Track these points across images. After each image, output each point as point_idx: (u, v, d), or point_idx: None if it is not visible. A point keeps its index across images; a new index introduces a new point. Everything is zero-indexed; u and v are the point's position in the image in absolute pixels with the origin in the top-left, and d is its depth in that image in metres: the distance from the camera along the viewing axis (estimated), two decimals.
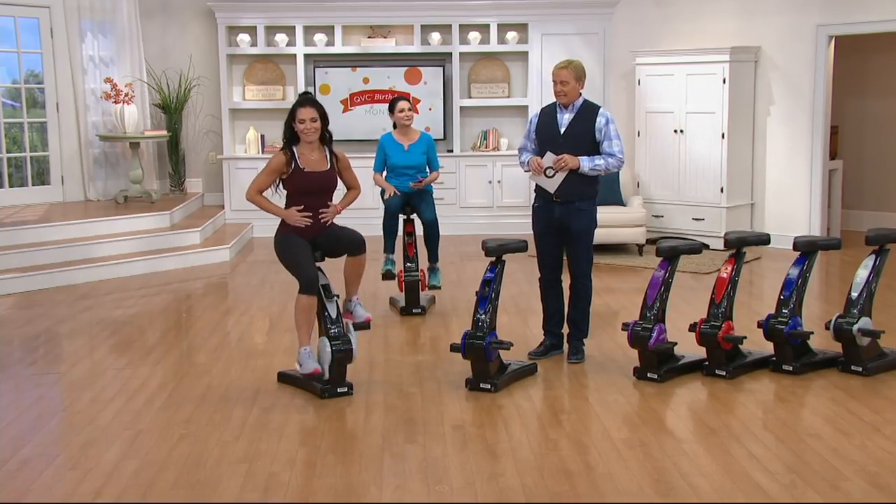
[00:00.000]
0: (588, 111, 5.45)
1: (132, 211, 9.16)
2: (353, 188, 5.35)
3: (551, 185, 5.40)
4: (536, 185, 5.54)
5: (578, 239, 5.52)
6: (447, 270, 7.98)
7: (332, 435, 4.49)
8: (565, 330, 5.73)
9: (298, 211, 5.07)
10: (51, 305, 7.15)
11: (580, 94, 5.46)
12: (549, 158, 5.39)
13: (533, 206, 5.66)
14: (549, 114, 5.54)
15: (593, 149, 5.42)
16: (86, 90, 9.78)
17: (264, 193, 5.12)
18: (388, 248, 6.90)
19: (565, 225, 5.48)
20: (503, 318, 6.17)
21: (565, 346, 5.73)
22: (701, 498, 3.77)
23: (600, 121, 5.41)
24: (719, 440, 4.35)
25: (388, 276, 6.88)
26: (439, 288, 6.95)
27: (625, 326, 5.29)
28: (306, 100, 5.09)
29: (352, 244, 5.14)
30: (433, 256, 6.92)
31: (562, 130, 5.44)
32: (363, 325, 5.23)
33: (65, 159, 9.82)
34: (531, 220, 5.66)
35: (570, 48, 10.05)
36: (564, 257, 5.64)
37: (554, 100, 5.52)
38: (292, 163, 5.04)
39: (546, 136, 5.49)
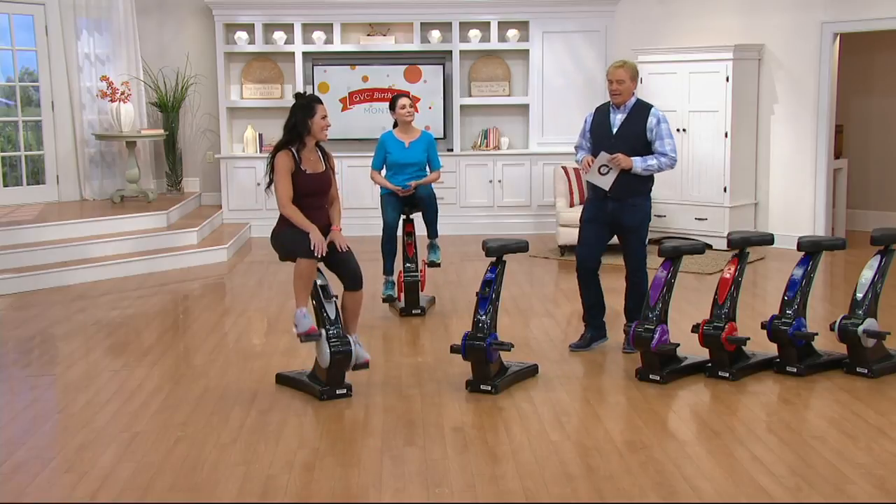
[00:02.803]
0: (640, 111, 5.51)
1: (128, 211, 9.11)
2: (335, 200, 5.24)
3: (605, 183, 5.49)
4: (589, 182, 5.61)
5: (631, 233, 5.64)
6: (447, 271, 7.94)
7: (330, 437, 4.45)
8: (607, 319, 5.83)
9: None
10: (46, 306, 7.10)
11: (633, 93, 5.52)
12: (604, 157, 5.46)
13: (587, 198, 5.75)
14: (603, 113, 5.61)
15: (645, 149, 5.49)
16: (81, 88, 9.73)
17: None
18: (388, 269, 6.86)
19: (618, 220, 5.59)
20: (504, 319, 6.14)
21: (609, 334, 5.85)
22: (704, 501, 3.73)
23: (651, 120, 5.46)
24: (722, 442, 4.32)
25: (388, 300, 6.85)
26: (439, 264, 6.92)
27: (627, 327, 5.26)
28: (319, 98, 5.14)
29: (350, 279, 5.08)
30: (432, 231, 6.88)
31: (614, 130, 5.52)
32: (361, 366, 5.07)
33: (60, 158, 9.77)
34: (581, 211, 5.79)
35: (571, 46, 10.03)
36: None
37: (608, 99, 5.59)
38: (293, 163, 4.99)
39: (599, 135, 5.59)
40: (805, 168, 8.95)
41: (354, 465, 4.10)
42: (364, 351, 5.11)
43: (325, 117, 5.04)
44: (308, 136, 5.02)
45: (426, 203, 6.79)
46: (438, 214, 6.91)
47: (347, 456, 4.21)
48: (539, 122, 10.18)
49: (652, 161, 5.46)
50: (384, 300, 6.86)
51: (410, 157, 6.72)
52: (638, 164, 5.43)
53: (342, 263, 5.09)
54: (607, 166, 5.44)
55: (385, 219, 6.75)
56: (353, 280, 5.08)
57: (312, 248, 4.89)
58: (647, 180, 5.57)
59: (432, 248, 6.92)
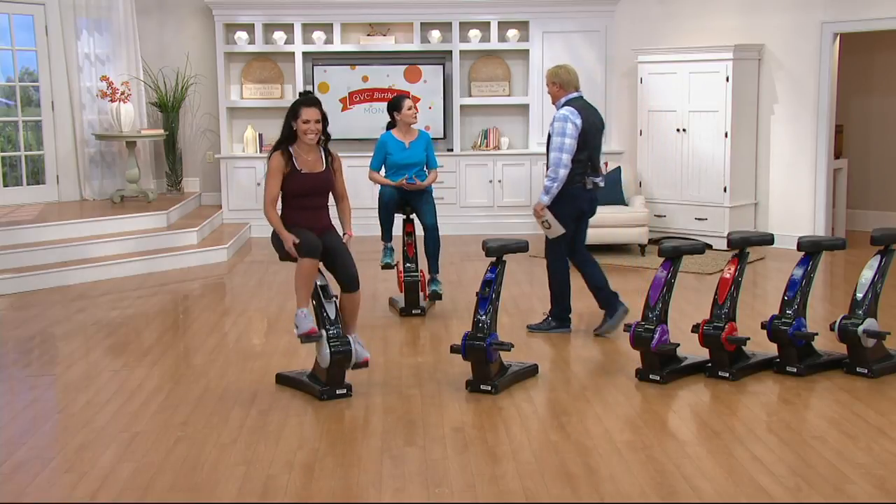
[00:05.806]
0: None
1: (128, 211, 9.11)
2: (343, 199, 5.26)
3: (553, 233, 5.90)
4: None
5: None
6: (447, 271, 7.94)
7: (330, 437, 4.45)
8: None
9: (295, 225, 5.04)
10: (46, 306, 7.09)
11: (566, 96, 5.87)
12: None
13: None
14: None
15: None
16: (81, 88, 9.72)
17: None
18: (386, 237, 6.83)
19: None
20: (504, 318, 6.14)
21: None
22: (704, 501, 3.73)
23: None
24: (722, 442, 4.31)
25: (387, 267, 6.85)
26: (440, 296, 6.76)
27: (627, 327, 5.27)
28: (310, 99, 5.04)
29: (346, 278, 5.07)
30: (433, 267, 6.72)
31: None
32: (361, 365, 5.07)
33: (60, 158, 9.77)
34: None
35: (571, 46, 10.02)
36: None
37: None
38: (288, 164, 4.98)
39: None
40: (805, 168, 8.95)
41: (354, 465, 4.10)
42: (363, 349, 5.11)
43: (308, 121, 4.93)
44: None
45: (428, 234, 6.64)
46: (440, 248, 6.73)
47: (347, 456, 4.21)
48: (539, 122, 10.17)
49: (545, 182, 5.80)
50: (382, 267, 6.85)
51: (411, 157, 6.71)
52: (541, 198, 5.81)
53: (339, 266, 5.08)
54: (547, 221, 5.84)
55: (382, 198, 6.68)
56: (349, 282, 5.07)
57: (290, 251, 4.93)
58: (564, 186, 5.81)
59: (433, 282, 6.72)
